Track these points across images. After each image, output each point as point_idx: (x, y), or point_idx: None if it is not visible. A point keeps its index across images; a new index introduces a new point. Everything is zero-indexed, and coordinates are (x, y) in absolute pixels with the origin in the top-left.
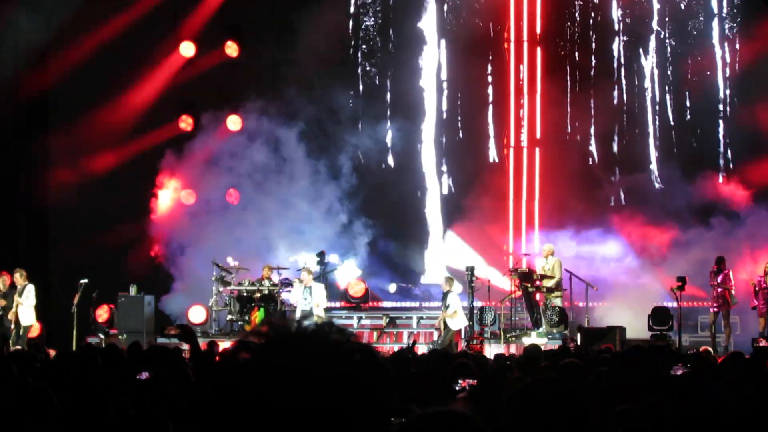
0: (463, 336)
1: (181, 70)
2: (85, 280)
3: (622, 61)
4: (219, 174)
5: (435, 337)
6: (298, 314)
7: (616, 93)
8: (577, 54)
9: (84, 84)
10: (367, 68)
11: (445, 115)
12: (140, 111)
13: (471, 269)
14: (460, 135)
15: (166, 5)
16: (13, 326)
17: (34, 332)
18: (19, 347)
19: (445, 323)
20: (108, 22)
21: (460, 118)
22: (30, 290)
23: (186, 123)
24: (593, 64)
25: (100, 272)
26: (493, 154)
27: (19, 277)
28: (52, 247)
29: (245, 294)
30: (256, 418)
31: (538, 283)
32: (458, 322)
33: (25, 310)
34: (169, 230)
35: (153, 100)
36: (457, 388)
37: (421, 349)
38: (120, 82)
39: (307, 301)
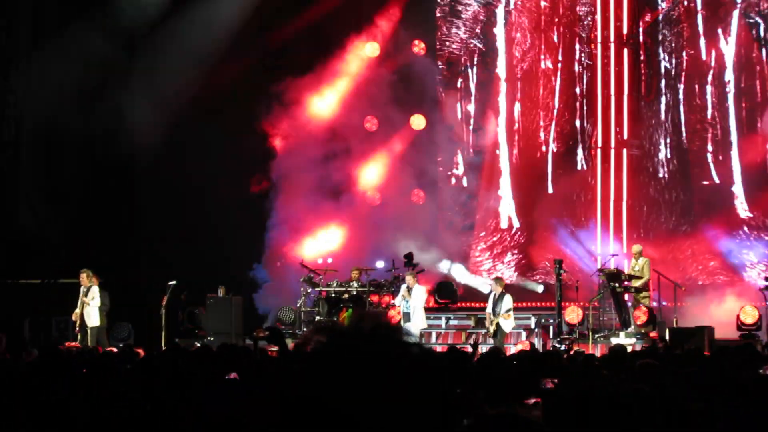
0: (551, 336)
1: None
2: (174, 282)
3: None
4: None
5: (523, 338)
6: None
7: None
8: (664, 54)
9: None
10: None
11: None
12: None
13: (559, 262)
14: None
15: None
16: (78, 327)
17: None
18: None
19: (497, 325)
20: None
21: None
22: (95, 291)
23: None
24: (683, 64)
25: (189, 273)
26: (580, 155)
27: (85, 278)
28: (141, 247)
29: (333, 295)
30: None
31: (626, 283)
32: (511, 323)
33: (91, 310)
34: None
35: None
36: (542, 388)
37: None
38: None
39: (407, 303)
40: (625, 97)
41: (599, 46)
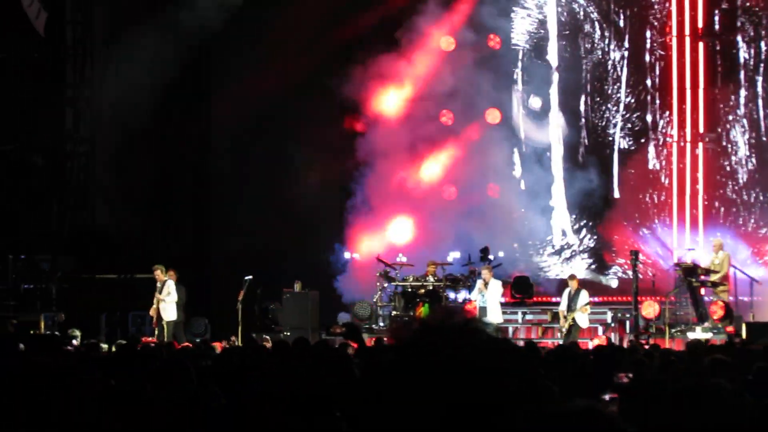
0: (628, 331)
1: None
2: (250, 277)
3: None
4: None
5: (600, 333)
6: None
7: None
8: (743, 46)
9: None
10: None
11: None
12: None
13: (635, 254)
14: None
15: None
16: (155, 322)
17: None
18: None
19: (573, 320)
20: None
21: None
22: (170, 286)
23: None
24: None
25: (266, 268)
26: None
27: (159, 273)
28: (217, 242)
29: (410, 290)
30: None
31: (702, 277)
32: (587, 318)
33: (167, 305)
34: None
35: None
36: (618, 383)
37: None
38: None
39: (484, 297)
40: (700, 91)
41: (674, 38)
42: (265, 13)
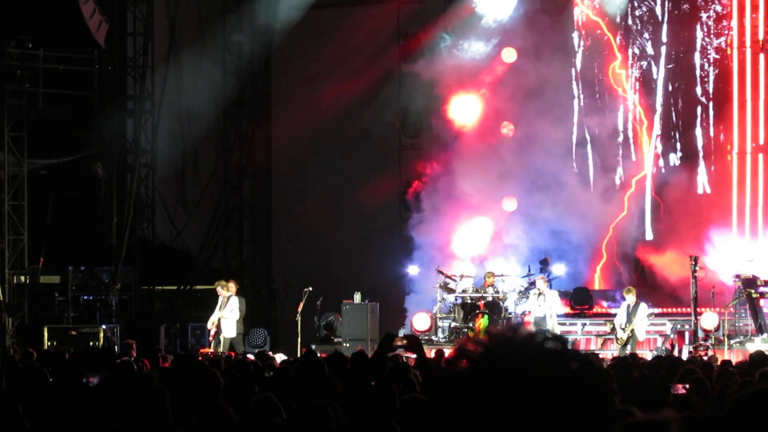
0: (687, 342)
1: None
2: (310, 288)
3: None
4: None
5: (659, 344)
6: (531, 321)
7: None
8: None
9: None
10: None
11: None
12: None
13: (695, 259)
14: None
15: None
16: (212, 335)
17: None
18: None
19: (632, 332)
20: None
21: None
22: (234, 302)
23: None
24: None
25: (326, 279)
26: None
27: (221, 289)
28: (276, 255)
29: (469, 301)
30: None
31: (761, 288)
32: (645, 330)
33: (229, 322)
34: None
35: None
36: (675, 393)
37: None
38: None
39: (541, 308)
40: (761, 103)
41: (735, 50)
42: (325, 27)
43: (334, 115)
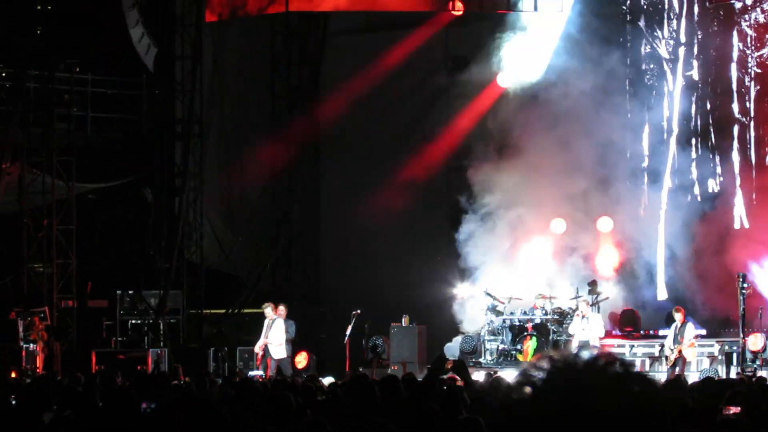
0: (735, 363)
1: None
2: (358, 311)
3: None
4: None
5: (707, 365)
6: (575, 344)
7: None
8: None
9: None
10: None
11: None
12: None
13: (743, 276)
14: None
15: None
16: (259, 358)
17: (301, 364)
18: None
19: (680, 353)
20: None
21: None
22: (280, 325)
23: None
24: None
25: (373, 302)
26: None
27: (269, 311)
28: (325, 277)
29: (517, 323)
30: None
31: None
32: (695, 352)
33: (274, 345)
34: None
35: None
36: (725, 415)
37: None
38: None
39: (585, 331)
40: None
41: None
42: (374, 45)
43: (383, 139)
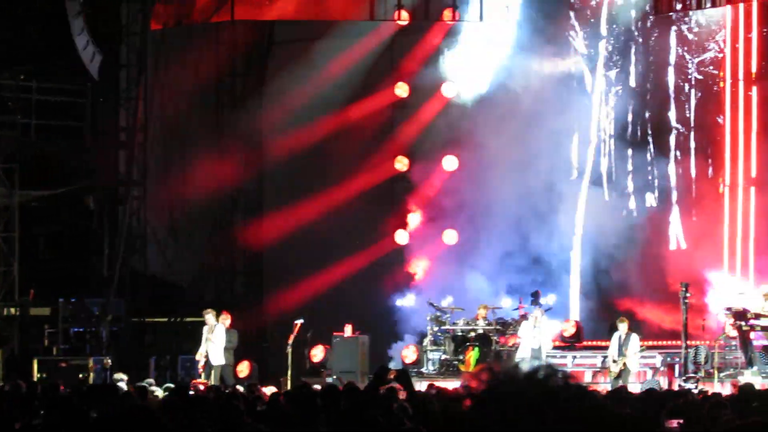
0: (677, 375)
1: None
2: (301, 320)
3: None
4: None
5: (649, 377)
6: (522, 352)
7: None
8: None
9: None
10: None
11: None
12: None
13: (686, 285)
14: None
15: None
16: (203, 365)
17: (243, 373)
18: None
19: (625, 364)
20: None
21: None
22: (220, 330)
23: (402, 164)
24: None
25: (316, 312)
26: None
27: (210, 318)
28: (268, 286)
29: (460, 333)
30: None
31: (752, 321)
32: (638, 362)
33: (216, 349)
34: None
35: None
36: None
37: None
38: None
39: (536, 339)
40: (753, 135)
41: (728, 83)
42: (319, 54)
43: (326, 147)
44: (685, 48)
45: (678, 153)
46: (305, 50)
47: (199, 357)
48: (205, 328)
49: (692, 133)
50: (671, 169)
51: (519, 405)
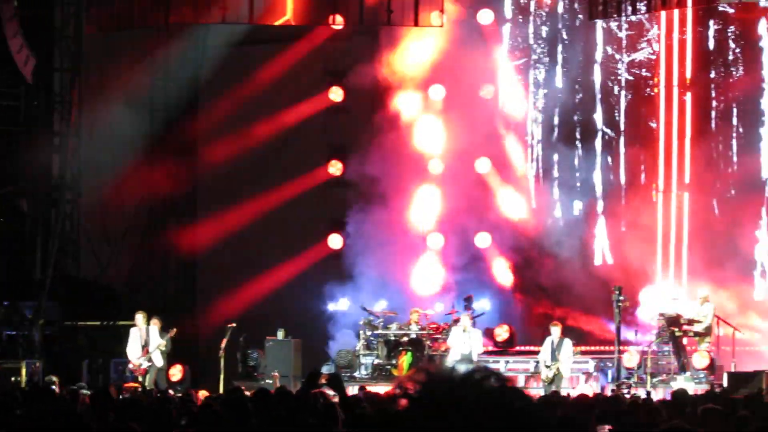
0: (610, 380)
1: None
2: (233, 324)
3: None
4: None
5: (582, 382)
6: (453, 357)
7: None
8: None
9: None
10: None
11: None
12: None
13: (618, 288)
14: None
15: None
16: (137, 368)
17: (176, 377)
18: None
19: (558, 370)
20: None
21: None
22: (155, 333)
23: (336, 168)
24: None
25: (249, 316)
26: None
27: (142, 320)
28: (201, 290)
29: (393, 338)
30: None
31: (685, 327)
32: (569, 368)
33: (157, 352)
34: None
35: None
36: None
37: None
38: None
39: (466, 345)
40: (687, 140)
41: (662, 89)
42: (253, 64)
43: (261, 152)
44: (615, 47)
45: (609, 158)
46: (239, 55)
47: (140, 360)
48: (138, 331)
49: (622, 138)
50: (597, 175)
51: (454, 405)
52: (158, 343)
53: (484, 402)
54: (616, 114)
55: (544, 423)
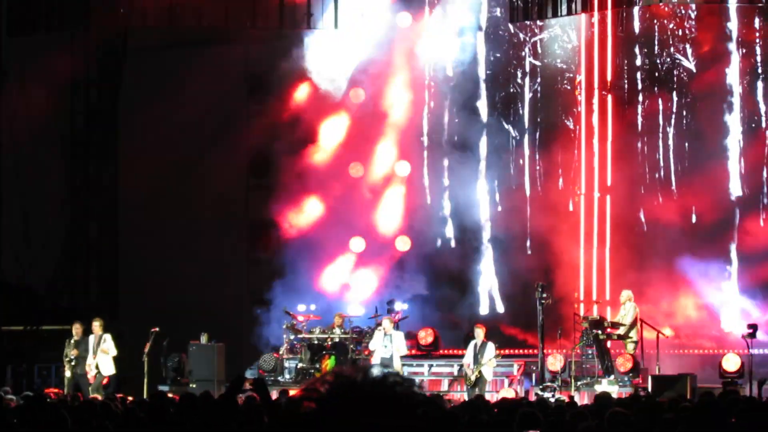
0: (534, 383)
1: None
2: (156, 329)
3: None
4: None
5: (506, 385)
6: (375, 361)
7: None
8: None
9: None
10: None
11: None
12: None
13: (542, 286)
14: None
15: None
16: (92, 375)
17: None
18: (97, 396)
19: (480, 373)
20: None
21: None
22: (109, 339)
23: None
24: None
25: (172, 320)
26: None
27: (98, 326)
28: (123, 294)
29: (316, 342)
30: None
31: (609, 330)
32: (492, 371)
33: (107, 359)
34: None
35: None
36: None
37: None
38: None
39: (387, 348)
40: (608, 144)
41: (583, 91)
42: (174, 67)
43: (182, 157)
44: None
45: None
46: (160, 58)
47: (89, 368)
48: (92, 338)
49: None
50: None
51: (360, 409)
52: (110, 350)
53: (390, 407)
54: (538, 116)
55: (453, 428)
